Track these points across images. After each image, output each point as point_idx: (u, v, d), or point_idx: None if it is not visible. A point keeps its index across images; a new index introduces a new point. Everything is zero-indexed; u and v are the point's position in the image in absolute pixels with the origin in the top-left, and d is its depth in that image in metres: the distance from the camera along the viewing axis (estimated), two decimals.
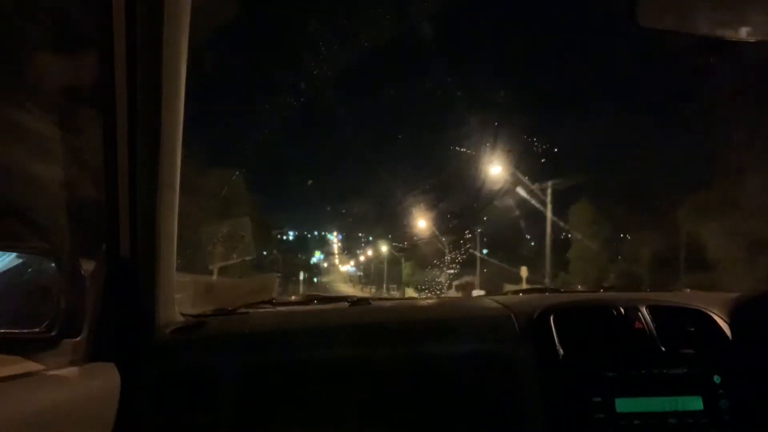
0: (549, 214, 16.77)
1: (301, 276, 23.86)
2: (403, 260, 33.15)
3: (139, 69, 1.05)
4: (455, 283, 25.55)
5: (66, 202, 1.10)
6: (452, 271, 25.68)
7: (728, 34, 0.90)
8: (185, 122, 1.17)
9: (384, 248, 36.77)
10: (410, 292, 27.34)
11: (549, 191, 16.95)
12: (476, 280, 23.94)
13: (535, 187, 16.94)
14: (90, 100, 1.14)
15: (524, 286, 15.05)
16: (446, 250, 25.50)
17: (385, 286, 35.91)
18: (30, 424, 0.85)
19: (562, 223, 18.52)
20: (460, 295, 20.53)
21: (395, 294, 30.47)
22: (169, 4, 1.04)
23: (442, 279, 25.36)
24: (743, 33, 0.90)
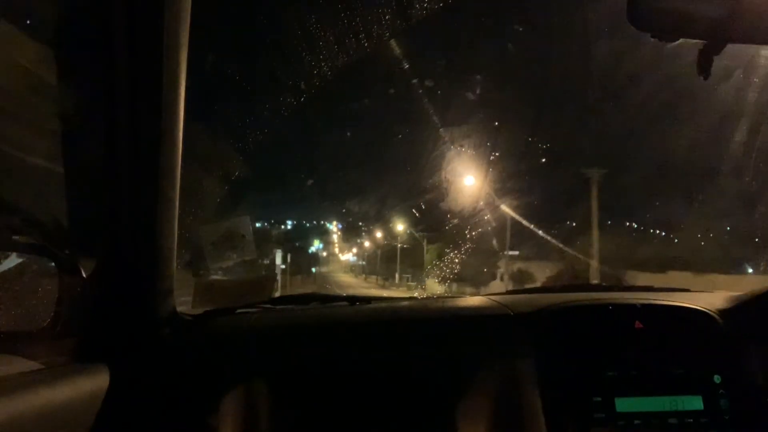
0: None
1: (279, 259, 16.56)
2: (425, 243, 24.33)
3: (139, 68, 1.05)
4: (500, 271, 18.95)
5: (66, 201, 1.10)
6: (515, 252, 17.70)
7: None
8: (185, 120, 1.17)
9: (400, 227, 27.39)
10: (433, 286, 19.69)
11: None
12: (594, 268, 14.34)
13: None
14: (90, 99, 1.14)
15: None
16: (504, 223, 16.70)
17: (397, 277, 27.50)
18: (30, 422, 0.85)
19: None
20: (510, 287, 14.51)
21: (412, 286, 24.01)
22: (169, 4, 1.04)
23: (500, 266, 18.54)
24: None
